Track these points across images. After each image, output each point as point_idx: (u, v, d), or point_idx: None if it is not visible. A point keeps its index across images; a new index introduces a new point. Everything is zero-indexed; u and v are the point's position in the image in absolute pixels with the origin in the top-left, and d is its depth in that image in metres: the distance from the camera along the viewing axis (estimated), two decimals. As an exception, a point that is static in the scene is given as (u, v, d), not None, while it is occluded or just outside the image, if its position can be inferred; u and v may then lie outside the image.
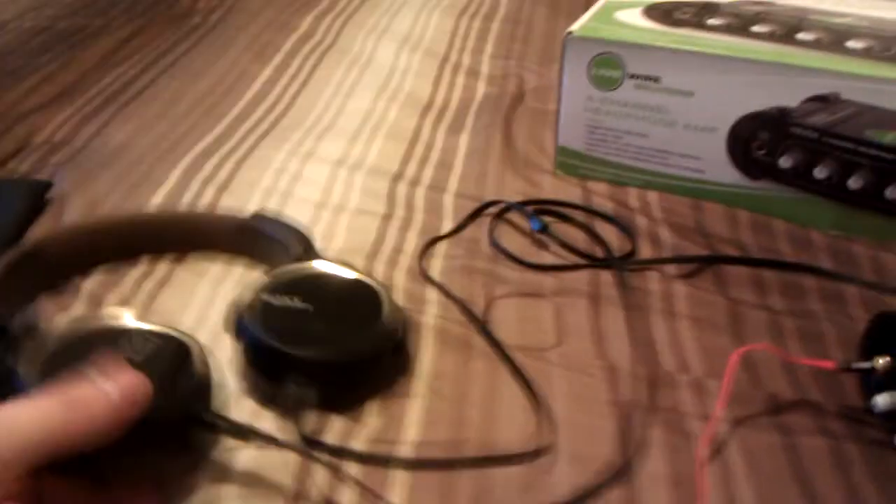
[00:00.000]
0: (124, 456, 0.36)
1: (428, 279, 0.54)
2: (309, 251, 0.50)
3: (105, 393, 0.34)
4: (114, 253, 0.55)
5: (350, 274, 0.48)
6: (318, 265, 0.48)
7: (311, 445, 0.42)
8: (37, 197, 0.61)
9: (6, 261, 0.48)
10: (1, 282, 0.47)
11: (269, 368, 0.44)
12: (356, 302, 0.46)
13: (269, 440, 0.39)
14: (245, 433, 0.40)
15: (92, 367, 0.35)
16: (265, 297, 0.45)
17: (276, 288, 0.46)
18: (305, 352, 0.43)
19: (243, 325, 0.44)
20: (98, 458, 0.34)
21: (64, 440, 0.32)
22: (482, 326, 0.50)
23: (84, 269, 0.54)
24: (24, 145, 0.70)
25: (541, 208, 0.61)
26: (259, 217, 0.54)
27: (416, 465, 0.42)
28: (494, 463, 0.42)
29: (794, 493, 0.41)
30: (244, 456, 0.42)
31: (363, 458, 0.42)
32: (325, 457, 0.42)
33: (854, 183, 0.57)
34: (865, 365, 0.44)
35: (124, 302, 0.52)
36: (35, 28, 0.96)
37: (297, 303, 0.45)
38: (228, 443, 0.42)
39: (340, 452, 0.42)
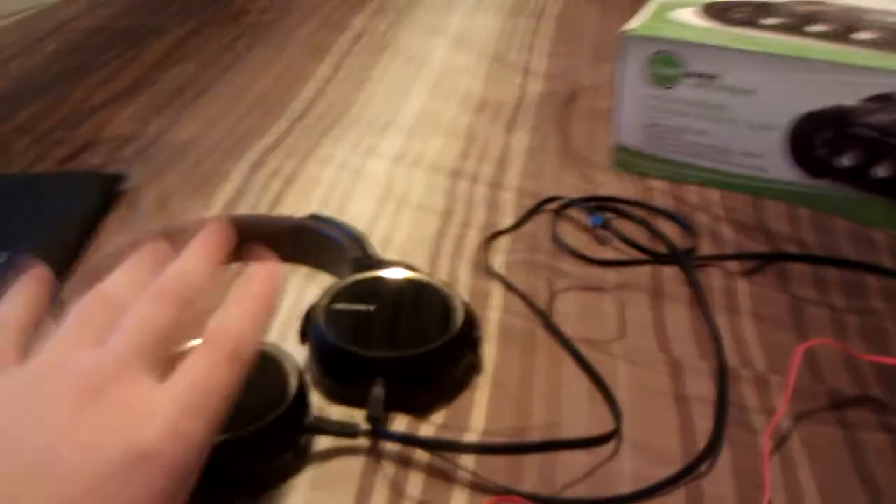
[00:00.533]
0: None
1: (491, 273, 0.56)
2: (366, 254, 0.52)
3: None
4: None
5: (417, 276, 0.49)
6: (386, 272, 0.49)
7: (381, 436, 0.43)
8: (110, 189, 0.64)
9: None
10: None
11: (347, 372, 0.45)
12: (426, 303, 0.47)
13: (353, 433, 0.41)
14: (346, 431, 0.42)
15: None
16: (335, 304, 0.47)
17: (345, 294, 0.47)
18: (384, 353, 0.44)
19: (318, 331, 0.45)
20: None
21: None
22: (545, 318, 0.51)
23: None
24: (94, 140, 0.72)
25: (600, 205, 0.62)
26: (315, 218, 0.55)
27: (483, 449, 0.43)
28: (560, 447, 0.43)
29: (856, 487, 0.41)
30: (317, 446, 0.43)
31: (431, 445, 0.43)
32: (396, 446, 0.43)
33: (915, 182, 0.57)
34: (930, 361, 0.44)
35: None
36: (94, 27, 0.99)
37: (365, 307, 0.46)
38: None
39: (409, 440, 0.43)
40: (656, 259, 0.57)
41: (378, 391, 0.43)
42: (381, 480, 0.41)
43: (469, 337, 0.47)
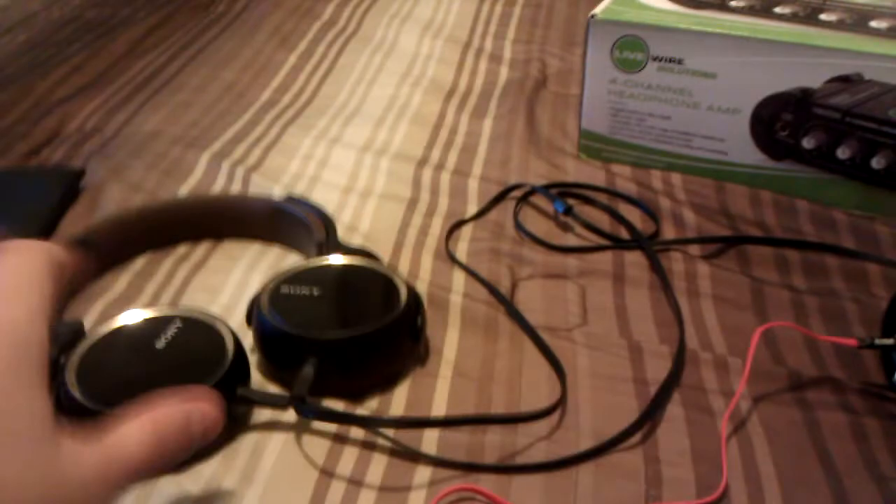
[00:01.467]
0: None
1: (454, 261, 0.55)
2: (331, 237, 0.52)
3: (189, 424, 0.33)
4: (153, 241, 0.57)
5: (364, 262, 0.49)
6: (333, 258, 0.49)
7: (303, 413, 0.43)
8: (70, 185, 0.63)
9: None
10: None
11: (283, 353, 0.45)
12: (371, 289, 0.47)
13: (281, 403, 0.42)
14: (273, 401, 0.42)
15: (178, 394, 0.35)
16: (281, 288, 0.46)
17: (293, 279, 0.47)
18: (317, 334, 0.44)
19: (260, 313, 0.45)
20: None
21: (155, 468, 0.32)
22: (508, 305, 0.51)
23: (127, 257, 0.56)
24: (56, 134, 0.72)
25: (564, 191, 0.62)
26: (289, 200, 0.55)
27: (407, 424, 0.43)
28: (495, 422, 0.44)
29: (815, 467, 0.41)
30: (277, 436, 0.43)
31: (350, 419, 0.43)
32: (357, 431, 0.43)
33: (877, 163, 0.57)
34: (887, 341, 0.44)
35: (160, 287, 0.54)
36: (62, 18, 0.98)
37: (308, 291, 0.46)
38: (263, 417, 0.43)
39: (328, 415, 0.43)
40: (618, 245, 0.57)
41: (307, 371, 0.43)
42: (312, 457, 0.41)
43: (409, 323, 0.46)
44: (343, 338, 0.44)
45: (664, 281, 0.53)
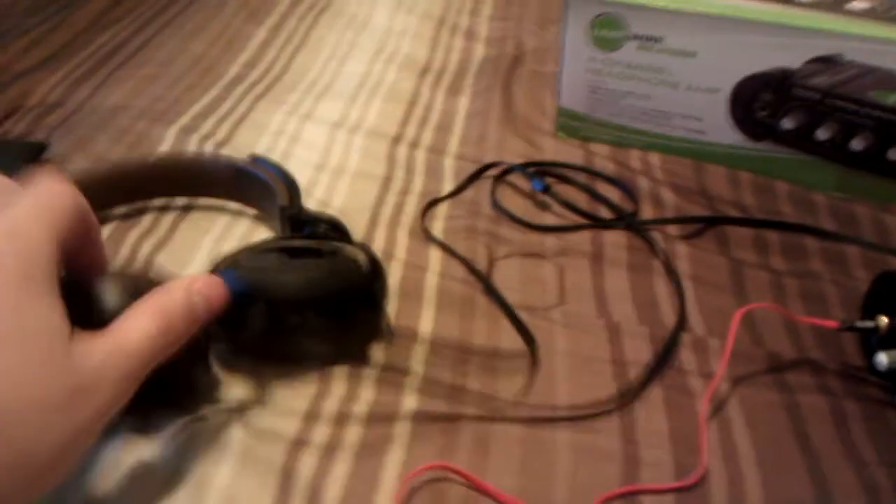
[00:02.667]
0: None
1: (430, 238, 0.54)
2: (294, 201, 0.50)
3: (191, 302, 0.36)
4: (113, 198, 0.55)
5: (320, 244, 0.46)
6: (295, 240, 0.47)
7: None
8: (33, 158, 0.61)
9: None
10: None
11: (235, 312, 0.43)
12: (328, 259, 0.44)
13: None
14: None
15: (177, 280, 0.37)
16: (237, 258, 0.44)
17: (251, 251, 0.45)
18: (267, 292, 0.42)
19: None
20: None
21: (163, 352, 0.35)
22: (485, 282, 0.50)
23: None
24: (17, 108, 0.69)
25: (542, 170, 0.61)
26: (253, 161, 0.53)
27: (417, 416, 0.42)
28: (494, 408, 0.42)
29: (794, 450, 0.41)
30: (239, 430, 0.42)
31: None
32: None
33: (856, 144, 0.56)
34: (868, 324, 0.44)
35: (126, 262, 0.52)
36: (23, -11, 0.94)
37: (266, 263, 0.44)
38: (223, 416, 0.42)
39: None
40: (597, 224, 0.56)
41: (256, 310, 0.41)
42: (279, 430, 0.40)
43: (366, 289, 0.44)
44: (297, 294, 0.42)
45: (668, 264, 0.52)
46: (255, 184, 0.53)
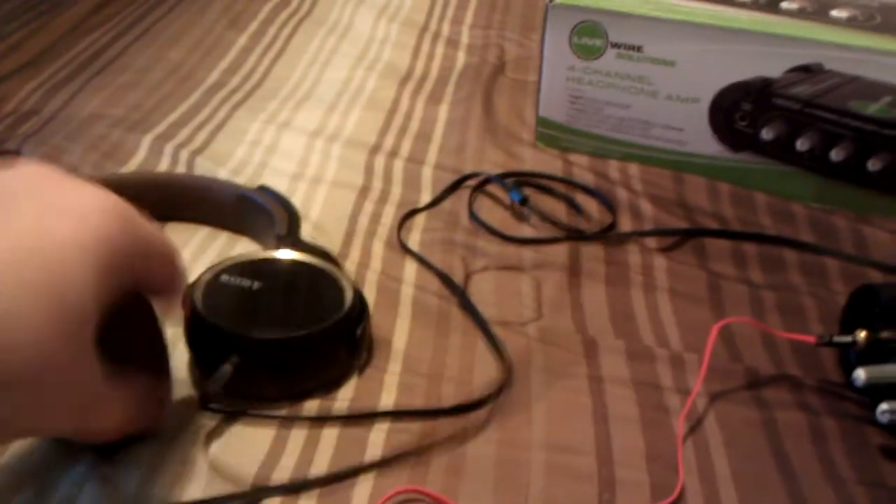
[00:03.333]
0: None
1: (406, 250, 0.54)
2: (292, 231, 0.49)
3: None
4: None
5: (312, 259, 0.46)
6: (282, 252, 0.46)
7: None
8: (4, 168, 0.60)
9: None
10: None
11: (204, 345, 0.43)
12: (312, 287, 0.44)
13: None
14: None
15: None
16: (218, 275, 0.44)
17: (234, 270, 0.44)
18: (236, 329, 0.41)
19: (193, 303, 0.43)
20: None
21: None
22: (461, 296, 0.50)
23: None
24: (-8, 115, 0.68)
25: (521, 181, 0.61)
26: (263, 190, 0.53)
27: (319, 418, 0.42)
28: (415, 416, 0.42)
29: (771, 468, 0.41)
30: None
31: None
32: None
33: (836, 155, 0.56)
34: (846, 339, 0.43)
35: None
36: (1, -5, 0.93)
37: (248, 284, 0.44)
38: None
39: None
40: (573, 237, 0.55)
41: (226, 368, 0.40)
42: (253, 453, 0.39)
43: (348, 331, 0.43)
44: (269, 338, 0.41)
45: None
46: (255, 211, 0.52)
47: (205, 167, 0.61)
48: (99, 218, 0.31)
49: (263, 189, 0.53)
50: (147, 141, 0.64)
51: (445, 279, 0.51)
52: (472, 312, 0.49)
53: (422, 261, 0.53)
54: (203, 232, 0.55)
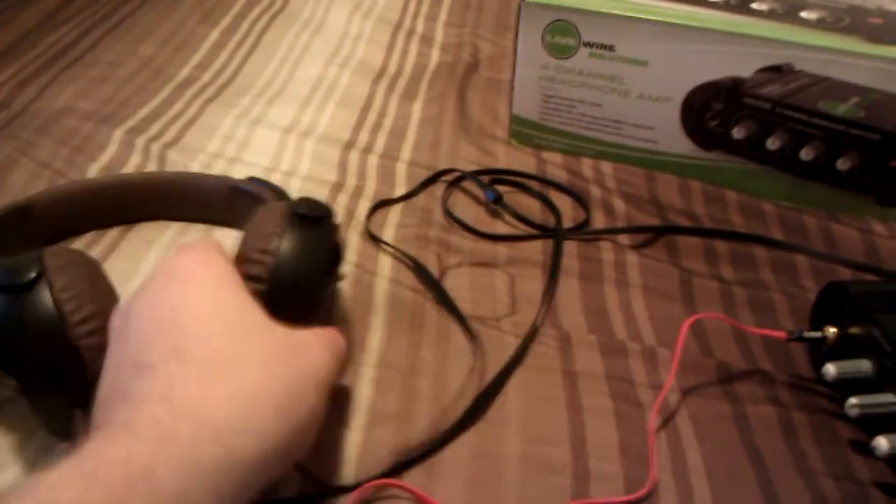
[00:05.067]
0: None
1: (377, 240, 0.53)
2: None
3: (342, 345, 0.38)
4: (107, 216, 0.54)
5: None
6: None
7: None
8: (-28, 161, 0.59)
9: None
10: None
11: None
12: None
13: None
14: None
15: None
16: None
17: None
18: None
19: None
20: None
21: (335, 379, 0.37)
22: (438, 289, 0.50)
23: (71, 232, 0.53)
24: (-41, 108, 0.67)
25: (496, 178, 0.61)
26: (254, 181, 0.52)
27: None
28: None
29: (743, 462, 0.41)
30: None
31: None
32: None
33: (806, 154, 0.57)
34: (816, 334, 0.44)
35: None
36: (-32, -13, 0.92)
37: None
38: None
39: None
40: (545, 234, 0.55)
41: None
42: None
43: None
44: None
45: (583, 271, 0.52)
46: (248, 200, 0.50)
47: (176, 161, 0.61)
48: (327, 356, 0.36)
49: (254, 179, 0.52)
50: (118, 135, 0.63)
51: (419, 268, 0.51)
52: (446, 303, 0.49)
53: (396, 251, 0.53)
54: (171, 230, 0.54)
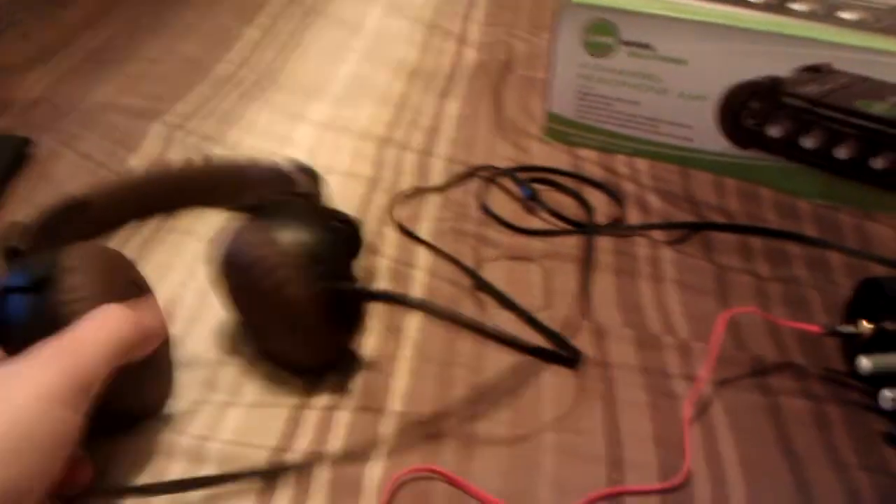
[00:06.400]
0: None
1: (407, 233, 0.54)
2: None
3: (153, 320, 0.39)
4: (156, 207, 0.55)
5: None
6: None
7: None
8: (17, 152, 0.61)
9: (53, 208, 0.48)
10: (44, 227, 0.46)
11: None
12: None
13: None
14: None
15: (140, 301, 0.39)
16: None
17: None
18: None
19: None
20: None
21: (127, 354, 0.36)
22: (478, 280, 0.50)
23: (124, 222, 0.55)
24: (3, 103, 0.69)
25: (530, 175, 0.61)
26: (300, 170, 0.52)
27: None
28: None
29: (776, 453, 0.41)
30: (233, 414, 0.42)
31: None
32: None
33: (841, 153, 0.57)
34: (850, 328, 0.44)
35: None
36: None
37: None
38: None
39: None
40: (579, 230, 0.56)
41: None
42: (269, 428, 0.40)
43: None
44: None
45: (618, 266, 0.53)
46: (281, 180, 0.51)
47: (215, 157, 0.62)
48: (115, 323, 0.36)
49: (301, 169, 0.52)
50: (158, 130, 0.65)
51: (459, 264, 0.52)
52: (494, 293, 0.49)
53: (430, 246, 0.53)
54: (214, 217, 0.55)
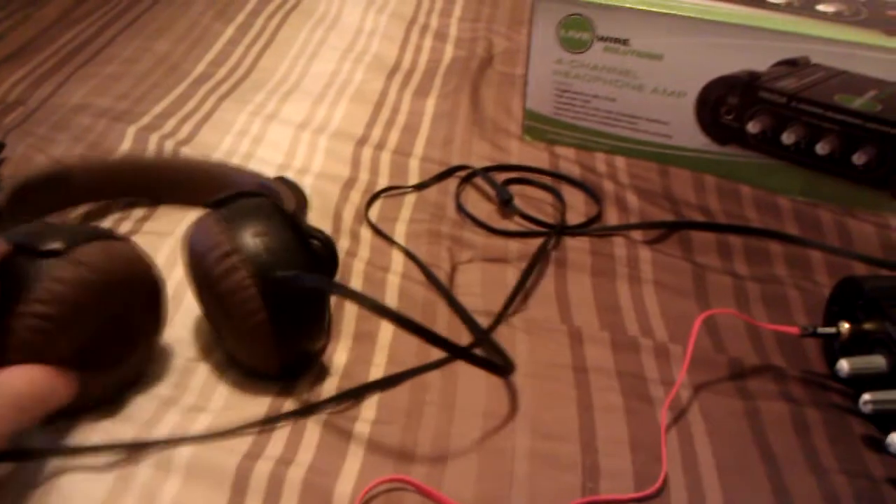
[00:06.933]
0: None
1: (381, 234, 0.54)
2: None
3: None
4: (134, 191, 0.56)
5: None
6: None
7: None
8: (-11, 157, 0.60)
9: (37, 173, 0.49)
10: (25, 190, 0.47)
11: None
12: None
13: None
14: None
15: None
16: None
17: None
18: None
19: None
20: None
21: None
22: (446, 293, 0.49)
23: (106, 198, 0.55)
24: (-24, 105, 0.68)
25: (508, 175, 0.61)
26: (281, 181, 0.51)
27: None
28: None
29: (754, 458, 0.41)
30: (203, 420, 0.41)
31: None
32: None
33: (821, 149, 0.56)
34: (830, 330, 0.44)
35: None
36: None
37: None
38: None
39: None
40: (560, 231, 0.55)
41: None
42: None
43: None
44: None
45: (596, 267, 0.52)
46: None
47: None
48: None
49: (282, 179, 0.51)
50: (132, 131, 0.64)
51: (427, 272, 0.51)
52: (456, 307, 0.49)
53: (407, 253, 0.53)
54: (193, 214, 0.55)
